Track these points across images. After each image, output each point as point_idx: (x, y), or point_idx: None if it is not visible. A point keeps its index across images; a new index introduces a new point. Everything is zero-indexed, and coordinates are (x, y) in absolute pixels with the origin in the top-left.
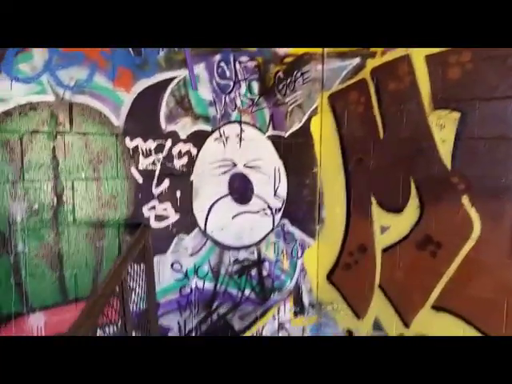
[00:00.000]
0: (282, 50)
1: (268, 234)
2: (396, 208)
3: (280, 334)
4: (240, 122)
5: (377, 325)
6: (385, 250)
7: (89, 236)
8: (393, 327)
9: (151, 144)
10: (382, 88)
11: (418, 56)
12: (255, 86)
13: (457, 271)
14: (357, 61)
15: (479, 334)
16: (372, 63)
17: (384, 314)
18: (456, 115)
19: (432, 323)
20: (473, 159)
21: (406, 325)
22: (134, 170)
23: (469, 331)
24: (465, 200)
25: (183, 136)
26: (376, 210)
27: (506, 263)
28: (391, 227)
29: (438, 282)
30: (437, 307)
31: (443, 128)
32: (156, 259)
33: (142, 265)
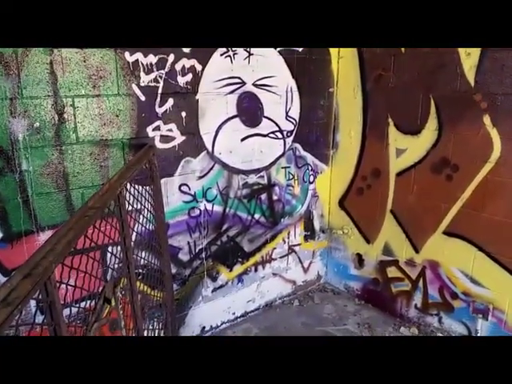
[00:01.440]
0: None
1: (279, 157)
2: (414, 130)
3: (290, 257)
4: None
5: (387, 249)
6: (399, 174)
7: (93, 156)
8: (403, 252)
9: (152, 58)
10: None
11: None
12: None
13: (472, 195)
14: None
15: (489, 260)
16: None
17: (394, 238)
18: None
19: (443, 248)
20: (499, 75)
21: (416, 250)
22: (135, 87)
23: (480, 257)
24: (486, 120)
25: (186, 49)
26: (392, 132)
27: None
28: (408, 150)
29: (452, 206)
30: (448, 233)
31: None
32: (163, 181)
33: (148, 187)
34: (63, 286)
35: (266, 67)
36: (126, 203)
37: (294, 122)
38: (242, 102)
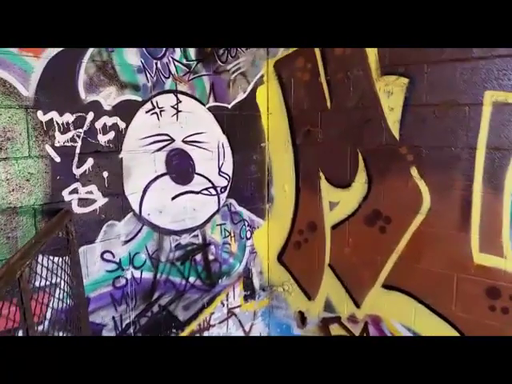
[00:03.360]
0: None
1: (213, 215)
2: (344, 183)
3: (230, 321)
4: (176, 92)
5: (328, 305)
6: (334, 227)
7: None
8: (344, 307)
9: (69, 117)
10: (328, 53)
11: None
12: (192, 50)
13: (406, 247)
14: None
15: (429, 312)
16: None
17: (335, 294)
18: (404, 81)
19: (383, 302)
20: (421, 128)
21: (357, 305)
22: (49, 148)
23: (420, 309)
24: (414, 171)
25: (108, 107)
26: (324, 186)
27: (455, 236)
28: (340, 203)
29: (388, 259)
30: (387, 286)
31: (391, 95)
32: (82, 249)
33: (65, 257)
34: None
35: (196, 124)
36: (37, 278)
37: (227, 177)
38: (171, 159)
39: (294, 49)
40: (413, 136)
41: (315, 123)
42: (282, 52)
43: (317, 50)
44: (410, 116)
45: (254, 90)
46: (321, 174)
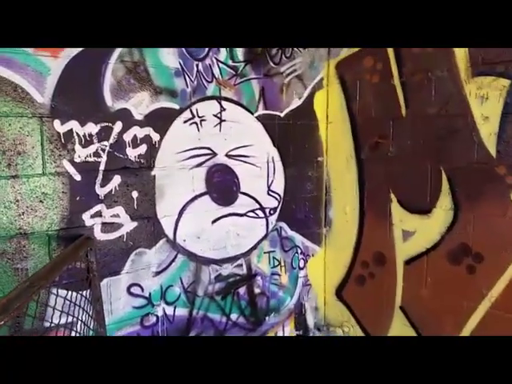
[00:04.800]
0: None
1: (260, 241)
2: (422, 208)
3: None
4: (219, 98)
5: None
6: (408, 262)
7: (5, 256)
8: None
9: (92, 128)
10: (403, 50)
11: None
12: (239, 49)
13: (503, 293)
14: None
15: None
16: None
17: None
18: (504, 83)
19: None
20: None
21: None
22: (67, 164)
23: None
24: None
25: (139, 116)
26: (397, 211)
27: None
28: (416, 233)
29: (478, 306)
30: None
31: (486, 101)
32: (105, 282)
33: (84, 292)
34: None
35: (242, 135)
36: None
37: (277, 197)
38: (212, 176)
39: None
40: None
41: (386, 134)
42: (345, 51)
43: (389, 49)
44: (510, 128)
45: (311, 96)
46: (392, 195)
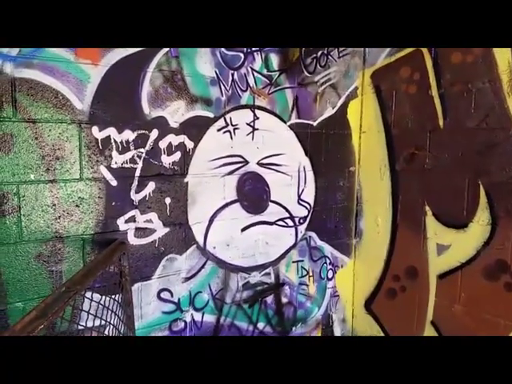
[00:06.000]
0: None
1: (289, 250)
2: (459, 222)
3: None
4: (253, 107)
5: None
6: (441, 277)
7: (42, 258)
8: None
9: (129, 135)
10: (442, 60)
11: None
12: (274, 59)
13: None
14: None
15: None
16: None
17: None
18: None
19: None
20: None
21: None
22: (104, 170)
23: None
24: None
25: (174, 124)
26: (431, 224)
27: None
28: (451, 247)
29: None
30: None
31: None
32: (136, 287)
33: (116, 296)
34: None
35: (274, 144)
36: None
37: (307, 206)
38: (243, 184)
39: (397, 57)
40: None
41: (422, 145)
42: (381, 60)
43: (427, 57)
44: None
45: (345, 105)
46: (427, 208)
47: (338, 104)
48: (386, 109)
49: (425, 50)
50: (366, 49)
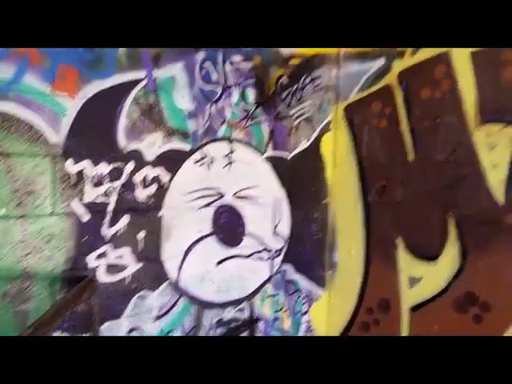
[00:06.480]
0: (286, 50)
1: (264, 283)
2: (430, 254)
3: None
4: (230, 139)
5: None
6: (414, 309)
7: (7, 297)
8: None
9: (104, 168)
10: (412, 96)
11: (461, 54)
12: (251, 93)
13: None
14: (380, 63)
15: None
16: (400, 65)
17: None
18: None
19: None
20: None
21: None
22: (76, 204)
23: None
24: None
25: (151, 157)
26: (403, 256)
27: None
28: (423, 279)
29: None
30: None
31: (494, 148)
32: (105, 326)
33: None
34: None
35: (250, 176)
36: None
37: (283, 238)
38: (219, 216)
39: (369, 91)
40: None
41: (393, 178)
42: (354, 95)
43: (397, 93)
44: None
45: (319, 138)
46: (399, 240)
47: (313, 137)
48: (358, 142)
49: (395, 86)
50: (340, 83)
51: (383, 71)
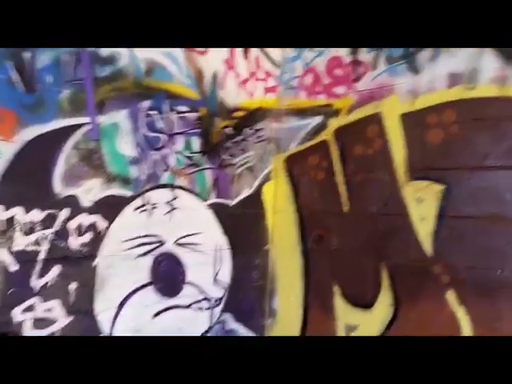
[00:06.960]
0: (231, 102)
1: (203, 334)
2: (365, 302)
3: None
4: (172, 186)
5: None
6: None
7: None
8: None
9: (37, 215)
10: (347, 152)
11: (391, 115)
12: (196, 141)
13: None
14: (318, 119)
15: None
16: (336, 123)
17: None
18: (438, 188)
19: None
20: (460, 243)
21: None
22: (4, 253)
23: None
24: (450, 296)
25: (88, 203)
26: (340, 304)
27: None
28: (360, 327)
29: None
30: None
31: (422, 203)
32: None
33: None
34: None
35: (192, 223)
36: None
37: (224, 286)
38: (158, 265)
39: (307, 145)
40: (449, 253)
41: (329, 228)
42: (293, 148)
43: (333, 148)
44: (446, 229)
45: (260, 187)
46: (336, 288)
47: (254, 185)
48: (297, 192)
49: (332, 142)
50: (281, 136)
51: (320, 127)
